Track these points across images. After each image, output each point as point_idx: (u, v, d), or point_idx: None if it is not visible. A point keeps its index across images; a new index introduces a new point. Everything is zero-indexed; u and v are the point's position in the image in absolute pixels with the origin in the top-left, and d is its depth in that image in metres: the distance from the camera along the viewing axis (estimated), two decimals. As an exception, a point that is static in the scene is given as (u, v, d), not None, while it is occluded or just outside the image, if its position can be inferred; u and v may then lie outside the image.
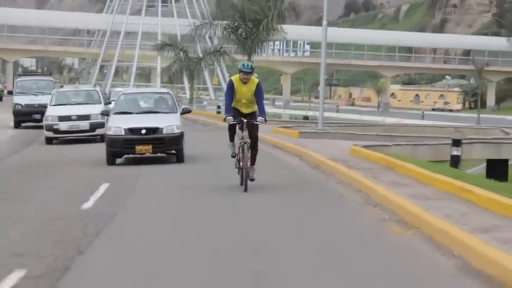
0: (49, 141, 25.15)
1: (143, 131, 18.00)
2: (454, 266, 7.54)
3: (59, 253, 8.20)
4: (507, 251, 7.32)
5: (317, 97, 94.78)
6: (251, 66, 13.37)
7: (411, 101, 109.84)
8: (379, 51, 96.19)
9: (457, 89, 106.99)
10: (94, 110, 24.74)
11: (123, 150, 18.26)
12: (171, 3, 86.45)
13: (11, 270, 7.42)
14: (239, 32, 41.27)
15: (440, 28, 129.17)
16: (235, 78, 13.45)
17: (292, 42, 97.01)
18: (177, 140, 18.11)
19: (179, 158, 18.34)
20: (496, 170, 23.30)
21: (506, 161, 24.39)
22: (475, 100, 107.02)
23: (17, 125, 32.94)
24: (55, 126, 24.93)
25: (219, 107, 48.07)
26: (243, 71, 13.21)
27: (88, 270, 7.60)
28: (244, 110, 13.52)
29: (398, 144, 21.05)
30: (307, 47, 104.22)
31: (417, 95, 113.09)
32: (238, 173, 13.65)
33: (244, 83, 13.25)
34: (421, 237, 8.92)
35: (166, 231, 9.75)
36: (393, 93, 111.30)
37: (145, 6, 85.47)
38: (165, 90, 21.13)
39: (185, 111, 19.43)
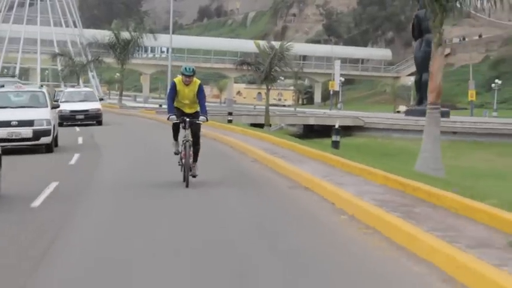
0: None
1: None
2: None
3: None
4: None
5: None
6: (193, 69, 14.26)
7: (254, 98, 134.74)
8: (224, 55, 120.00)
9: (292, 87, 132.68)
10: (38, 114, 23.00)
11: None
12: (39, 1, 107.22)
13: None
14: (115, 47, 64.10)
15: (281, 34, 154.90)
16: (178, 80, 14.37)
17: (150, 47, 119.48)
18: None
19: None
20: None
21: (262, 124, 48.43)
22: (306, 97, 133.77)
23: None
24: None
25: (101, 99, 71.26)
26: (185, 74, 14.14)
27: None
28: (187, 110, 14.49)
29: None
30: (164, 49, 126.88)
31: (259, 93, 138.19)
32: (181, 170, 14.56)
33: (187, 84, 14.22)
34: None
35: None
36: (239, 91, 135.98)
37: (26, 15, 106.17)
38: None
39: None
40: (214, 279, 7.45)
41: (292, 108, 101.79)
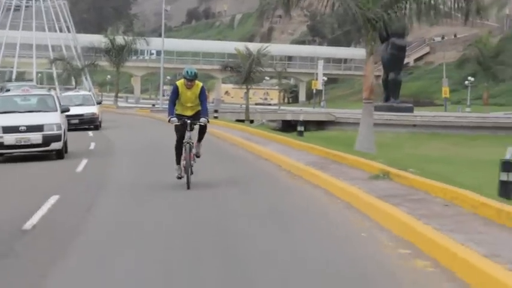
0: None
1: None
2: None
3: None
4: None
5: (163, 95, 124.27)
6: (195, 73, 14.38)
7: (241, 98, 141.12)
8: (212, 57, 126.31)
9: (277, 87, 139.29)
10: (48, 119, 22.26)
11: None
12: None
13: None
14: (111, 53, 70.49)
15: (268, 35, 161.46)
16: (180, 83, 14.51)
17: (139, 50, 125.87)
18: None
19: None
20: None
21: (243, 120, 54.94)
22: (292, 96, 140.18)
23: None
24: None
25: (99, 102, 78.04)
26: (187, 78, 14.30)
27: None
28: (189, 113, 14.69)
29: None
30: (154, 51, 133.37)
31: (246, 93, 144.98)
32: (183, 172, 14.74)
33: (189, 88, 14.41)
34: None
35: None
36: (227, 91, 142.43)
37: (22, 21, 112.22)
38: None
39: None
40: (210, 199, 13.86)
41: (277, 107, 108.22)
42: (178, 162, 14.90)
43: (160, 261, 8.63)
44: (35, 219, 11.68)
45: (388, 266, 8.28)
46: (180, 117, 14.67)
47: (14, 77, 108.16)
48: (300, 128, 34.36)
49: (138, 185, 15.94)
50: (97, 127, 38.02)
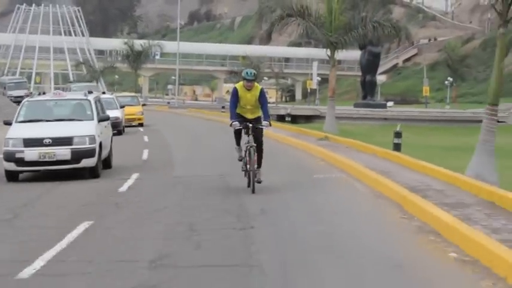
0: (11, 176, 18.81)
1: None
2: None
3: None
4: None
5: (167, 94, 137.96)
6: (254, 73, 14.89)
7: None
8: (214, 59, 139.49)
9: (275, 86, 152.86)
10: (79, 130, 19.18)
11: None
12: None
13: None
14: (129, 58, 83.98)
15: (266, 38, 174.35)
16: (240, 85, 15.02)
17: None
18: None
19: None
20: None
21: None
22: (289, 95, 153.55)
23: None
24: (18, 155, 18.55)
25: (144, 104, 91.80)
26: (246, 78, 14.78)
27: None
28: (250, 116, 15.14)
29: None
30: (158, 53, 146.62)
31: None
32: (245, 176, 15.51)
33: (248, 89, 14.85)
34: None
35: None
36: (228, 91, 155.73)
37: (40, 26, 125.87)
38: None
39: None
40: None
41: (274, 105, 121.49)
42: (238, 143, 15.69)
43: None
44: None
45: (309, 164, 21.83)
46: (241, 119, 15.18)
47: (33, 77, 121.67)
48: (288, 119, 48.48)
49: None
50: (120, 132, 36.16)
